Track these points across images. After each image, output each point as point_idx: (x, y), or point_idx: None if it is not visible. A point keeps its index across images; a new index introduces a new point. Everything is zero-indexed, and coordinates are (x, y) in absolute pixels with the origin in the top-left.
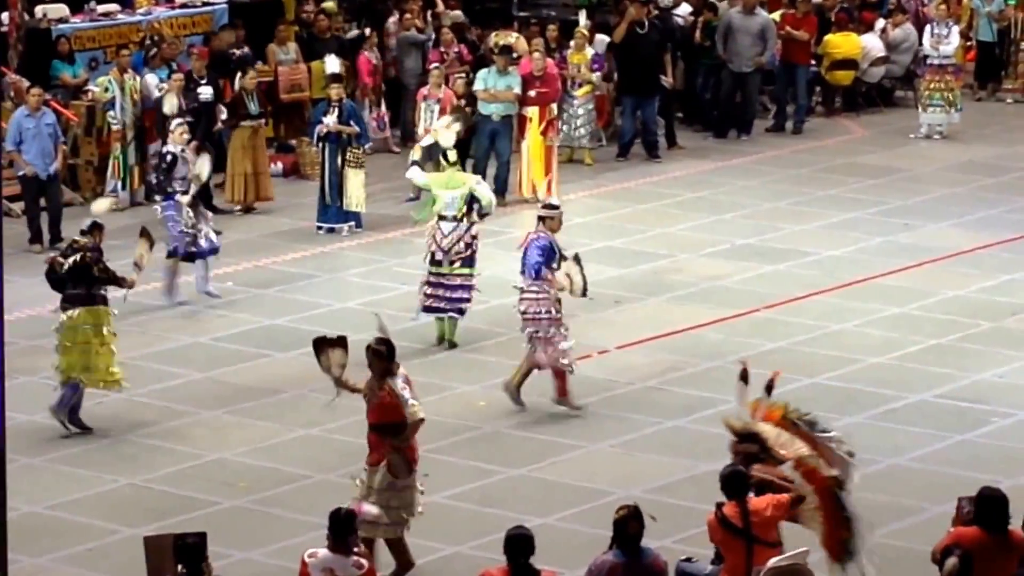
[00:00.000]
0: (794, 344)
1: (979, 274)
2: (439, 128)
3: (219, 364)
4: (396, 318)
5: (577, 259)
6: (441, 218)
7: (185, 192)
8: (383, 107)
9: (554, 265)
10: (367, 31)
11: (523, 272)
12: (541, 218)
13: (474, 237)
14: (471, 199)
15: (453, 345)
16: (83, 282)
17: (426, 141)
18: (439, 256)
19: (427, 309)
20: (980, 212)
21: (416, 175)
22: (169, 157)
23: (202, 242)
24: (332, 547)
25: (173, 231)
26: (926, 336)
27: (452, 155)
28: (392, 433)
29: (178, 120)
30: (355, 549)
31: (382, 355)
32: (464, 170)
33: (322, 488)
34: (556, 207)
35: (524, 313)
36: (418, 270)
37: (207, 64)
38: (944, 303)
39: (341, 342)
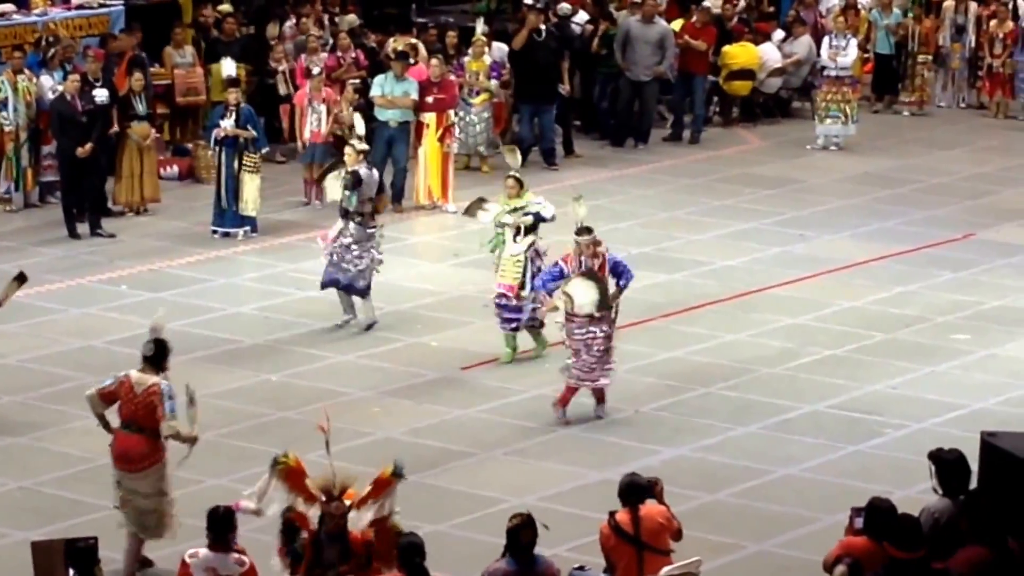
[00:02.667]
0: (688, 353)
1: (874, 286)
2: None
3: (111, 368)
4: (291, 323)
5: (588, 275)
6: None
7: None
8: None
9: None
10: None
11: None
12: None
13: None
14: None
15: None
16: None
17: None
18: None
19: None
20: (875, 224)
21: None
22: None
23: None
24: (212, 545)
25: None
26: (820, 347)
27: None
28: None
29: (350, 141)
30: (235, 546)
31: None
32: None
33: (213, 492)
34: (585, 231)
35: None
36: (312, 275)
37: (103, 66)
38: (839, 314)
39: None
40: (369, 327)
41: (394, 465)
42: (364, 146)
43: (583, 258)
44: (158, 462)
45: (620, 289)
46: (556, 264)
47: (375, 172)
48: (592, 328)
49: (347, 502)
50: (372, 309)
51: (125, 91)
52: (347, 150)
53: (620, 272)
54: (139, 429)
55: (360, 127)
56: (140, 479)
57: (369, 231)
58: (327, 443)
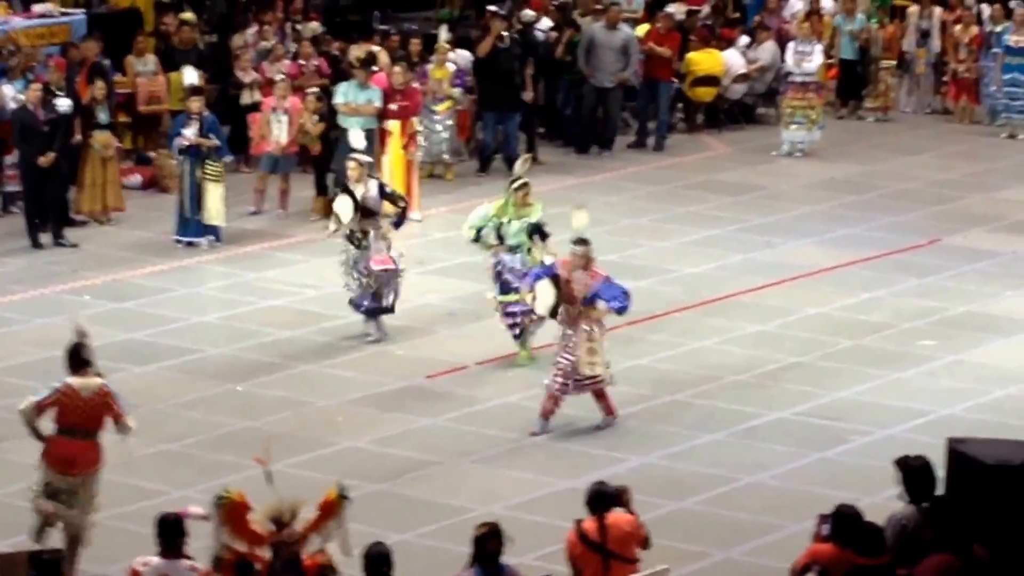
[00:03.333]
0: (655, 361)
1: (840, 292)
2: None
3: None
4: (255, 332)
5: (555, 280)
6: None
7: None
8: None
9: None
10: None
11: None
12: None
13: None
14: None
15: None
16: None
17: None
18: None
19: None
20: (841, 230)
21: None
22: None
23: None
24: (163, 553)
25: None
26: (787, 354)
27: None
28: None
29: (351, 155)
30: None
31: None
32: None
33: (180, 504)
34: (580, 242)
35: None
36: (277, 284)
37: (65, 75)
38: (805, 321)
39: None
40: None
41: (338, 487)
42: (368, 159)
43: (572, 268)
44: (101, 465)
45: (609, 310)
46: (554, 264)
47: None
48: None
49: (298, 527)
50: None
51: (88, 100)
52: (350, 164)
53: (608, 298)
54: (85, 434)
55: (360, 142)
56: (87, 484)
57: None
58: (267, 475)
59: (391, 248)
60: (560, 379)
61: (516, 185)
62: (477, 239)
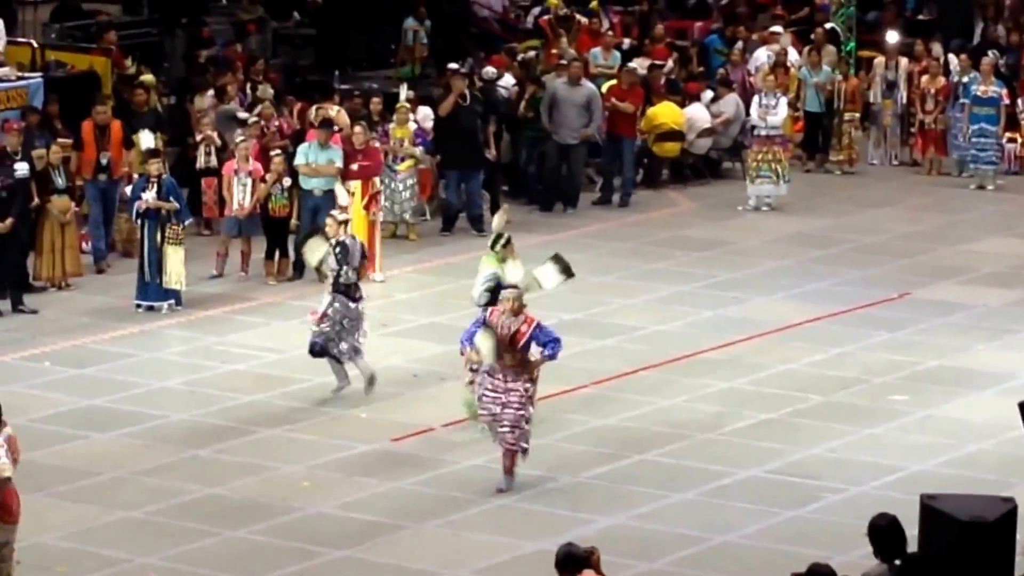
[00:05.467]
0: (623, 420)
1: (809, 347)
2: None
3: (36, 446)
4: (218, 397)
5: (487, 327)
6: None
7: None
8: None
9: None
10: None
11: None
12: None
13: None
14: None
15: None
16: None
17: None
18: None
19: None
20: (809, 285)
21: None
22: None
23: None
24: None
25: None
26: (756, 411)
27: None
28: None
29: (334, 212)
30: None
31: None
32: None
33: (141, 572)
34: (511, 287)
35: None
36: (237, 348)
37: (23, 140)
38: (774, 377)
39: None
40: (371, 382)
41: None
42: (346, 216)
43: (502, 315)
44: None
45: (544, 357)
46: (481, 316)
47: (357, 240)
48: (508, 387)
49: None
50: (366, 365)
51: (43, 165)
52: (328, 220)
53: (543, 342)
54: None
55: (344, 198)
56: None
57: (354, 304)
58: None
59: (330, 304)
60: (508, 431)
61: (504, 241)
62: (491, 301)
